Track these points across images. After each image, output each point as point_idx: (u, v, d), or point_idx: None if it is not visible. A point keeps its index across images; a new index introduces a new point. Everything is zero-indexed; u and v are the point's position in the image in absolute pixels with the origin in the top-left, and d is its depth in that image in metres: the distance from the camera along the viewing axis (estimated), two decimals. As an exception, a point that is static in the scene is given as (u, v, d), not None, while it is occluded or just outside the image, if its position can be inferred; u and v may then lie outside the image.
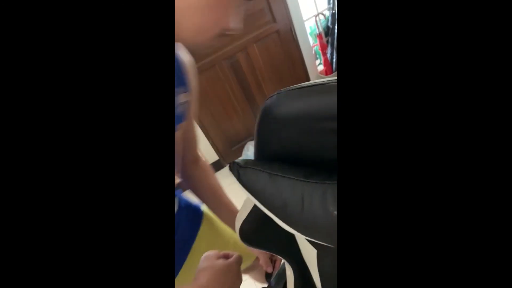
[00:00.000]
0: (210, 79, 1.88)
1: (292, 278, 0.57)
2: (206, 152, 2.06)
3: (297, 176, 0.31)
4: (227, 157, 2.20)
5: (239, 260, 0.52)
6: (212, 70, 1.86)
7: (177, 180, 0.60)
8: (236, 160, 0.36)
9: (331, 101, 0.28)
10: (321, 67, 2.29)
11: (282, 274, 0.64)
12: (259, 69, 1.98)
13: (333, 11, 2.03)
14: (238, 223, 0.47)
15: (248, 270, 0.79)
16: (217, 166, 2.13)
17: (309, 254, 0.51)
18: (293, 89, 0.31)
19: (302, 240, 0.49)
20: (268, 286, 0.66)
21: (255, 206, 0.45)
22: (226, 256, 0.51)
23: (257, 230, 0.47)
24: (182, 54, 0.48)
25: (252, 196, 0.35)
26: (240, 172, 0.35)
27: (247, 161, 0.36)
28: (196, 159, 0.60)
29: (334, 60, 2.14)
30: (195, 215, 0.67)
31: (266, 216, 0.46)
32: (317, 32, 2.12)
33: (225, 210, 0.62)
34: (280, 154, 0.35)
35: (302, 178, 0.31)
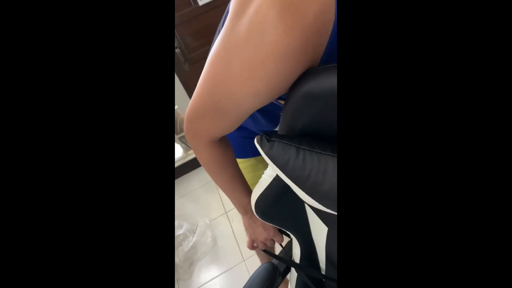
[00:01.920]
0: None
1: (299, 255, 0.60)
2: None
3: (324, 150, 0.33)
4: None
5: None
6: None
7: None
8: (263, 133, 0.38)
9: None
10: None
11: (288, 250, 0.67)
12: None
13: None
14: (254, 197, 0.50)
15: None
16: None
17: (319, 232, 0.54)
18: (322, 67, 0.33)
19: (313, 218, 0.52)
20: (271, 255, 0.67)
21: (271, 182, 0.48)
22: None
23: (271, 205, 0.50)
24: None
25: (278, 168, 0.37)
26: (268, 145, 0.37)
27: (273, 135, 0.38)
28: None
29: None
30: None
31: (281, 192, 0.48)
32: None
33: None
34: (307, 129, 0.37)
35: (329, 152, 0.33)
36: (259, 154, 0.70)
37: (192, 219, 1.54)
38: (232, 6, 0.33)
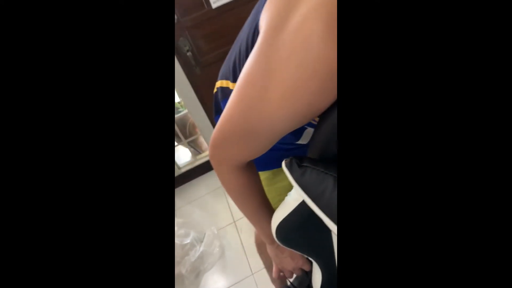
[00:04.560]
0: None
1: (320, 282, 0.55)
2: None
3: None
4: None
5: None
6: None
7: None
8: (294, 158, 0.33)
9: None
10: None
11: (304, 277, 0.62)
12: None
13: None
14: (276, 222, 0.45)
15: None
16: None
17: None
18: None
19: (340, 246, 0.47)
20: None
21: (297, 207, 0.43)
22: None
23: (294, 231, 0.45)
24: None
25: (310, 199, 0.32)
26: (299, 171, 0.32)
27: (306, 159, 0.33)
28: None
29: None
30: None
31: (307, 218, 0.43)
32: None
33: None
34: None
35: (374, 185, 0.28)
36: (276, 167, 0.66)
37: (200, 227, 1.50)
38: (267, 20, 0.29)
